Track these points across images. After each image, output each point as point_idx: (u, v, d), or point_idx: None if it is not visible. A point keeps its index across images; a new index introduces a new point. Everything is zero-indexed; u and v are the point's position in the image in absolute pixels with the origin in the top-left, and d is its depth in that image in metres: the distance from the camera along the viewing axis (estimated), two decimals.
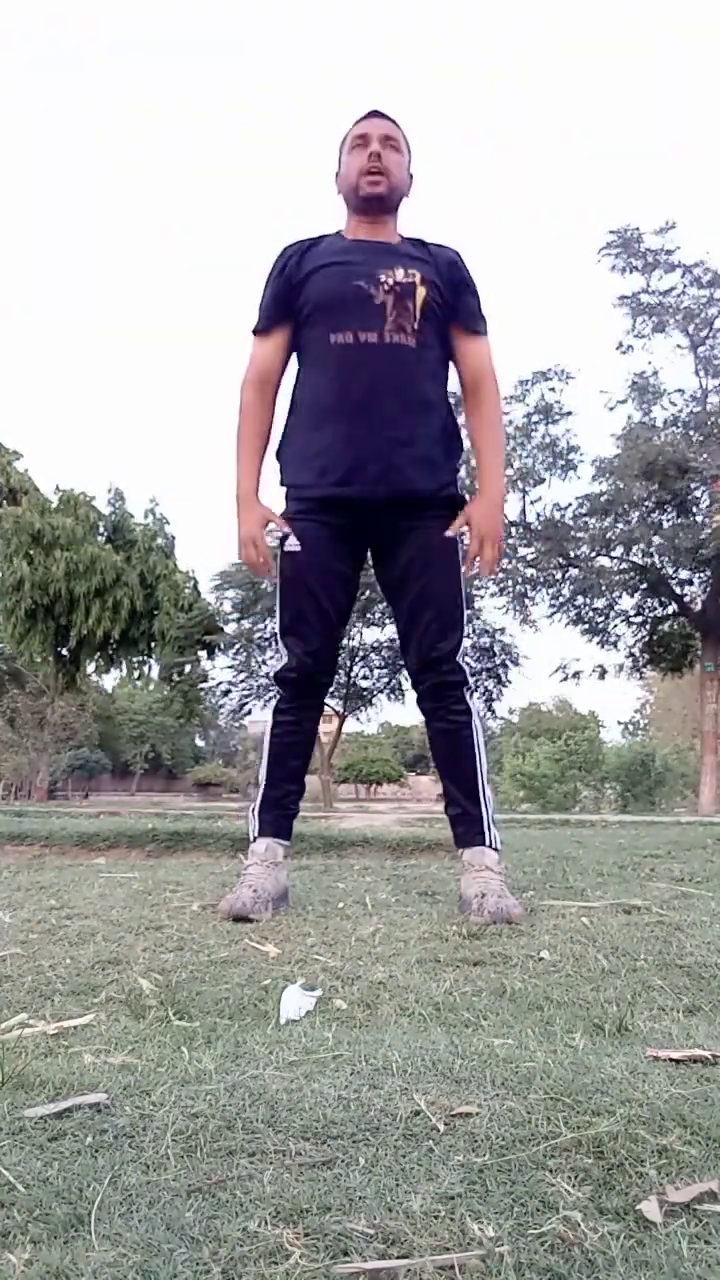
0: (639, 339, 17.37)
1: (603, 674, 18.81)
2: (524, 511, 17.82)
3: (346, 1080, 0.99)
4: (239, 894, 2.07)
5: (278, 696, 2.24)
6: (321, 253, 2.20)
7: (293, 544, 2.19)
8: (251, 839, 2.22)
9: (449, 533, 2.16)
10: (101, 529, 23.82)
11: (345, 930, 1.89)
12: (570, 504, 17.63)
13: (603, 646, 18.46)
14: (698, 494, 16.46)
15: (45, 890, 2.48)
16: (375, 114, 2.23)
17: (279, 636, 2.23)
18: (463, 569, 2.19)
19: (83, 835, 3.99)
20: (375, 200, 2.18)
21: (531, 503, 17.86)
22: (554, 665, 19.34)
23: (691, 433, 16.33)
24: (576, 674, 18.87)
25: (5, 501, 23.27)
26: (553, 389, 17.55)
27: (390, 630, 18.71)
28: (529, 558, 17.73)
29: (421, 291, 2.12)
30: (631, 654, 18.78)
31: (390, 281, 2.11)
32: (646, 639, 18.69)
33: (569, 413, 17.57)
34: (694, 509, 16.73)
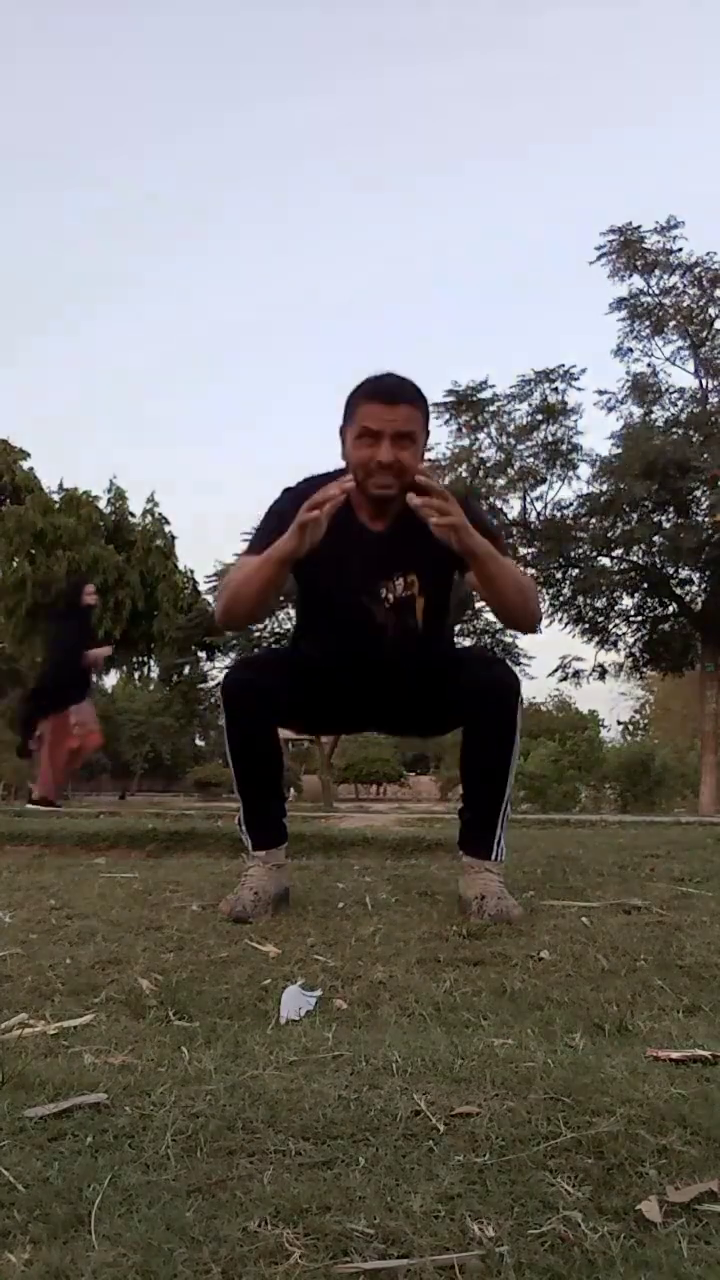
0: (638, 340, 17.37)
1: (603, 674, 18.82)
2: (524, 511, 17.82)
3: (346, 1080, 0.99)
4: (239, 895, 2.06)
5: (224, 716, 2.10)
6: (327, 533, 1.94)
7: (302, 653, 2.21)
8: (249, 850, 2.19)
9: (413, 500, 1.90)
10: (102, 529, 23.82)
11: (345, 930, 1.89)
12: (571, 504, 17.63)
13: (603, 646, 18.46)
14: (698, 494, 16.46)
15: (45, 890, 2.47)
16: (390, 398, 1.97)
17: (249, 654, 2.21)
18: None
19: (83, 835, 3.99)
20: (384, 501, 2.02)
21: (531, 502, 17.86)
22: (554, 665, 19.29)
23: (691, 433, 16.33)
24: (576, 674, 18.87)
25: (9, 500, 23.27)
26: (555, 388, 17.54)
27: None
28: (529, 557, 17.74)
29: (421, 602, 2.07)
30: (631, 654, 18.78)
31: (391, 597, 2.05)
32: (646, 639, 18.69)
33: (573, 411, 17.57)
34: (694, 509, 16.73)
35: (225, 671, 2.17)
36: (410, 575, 2.06)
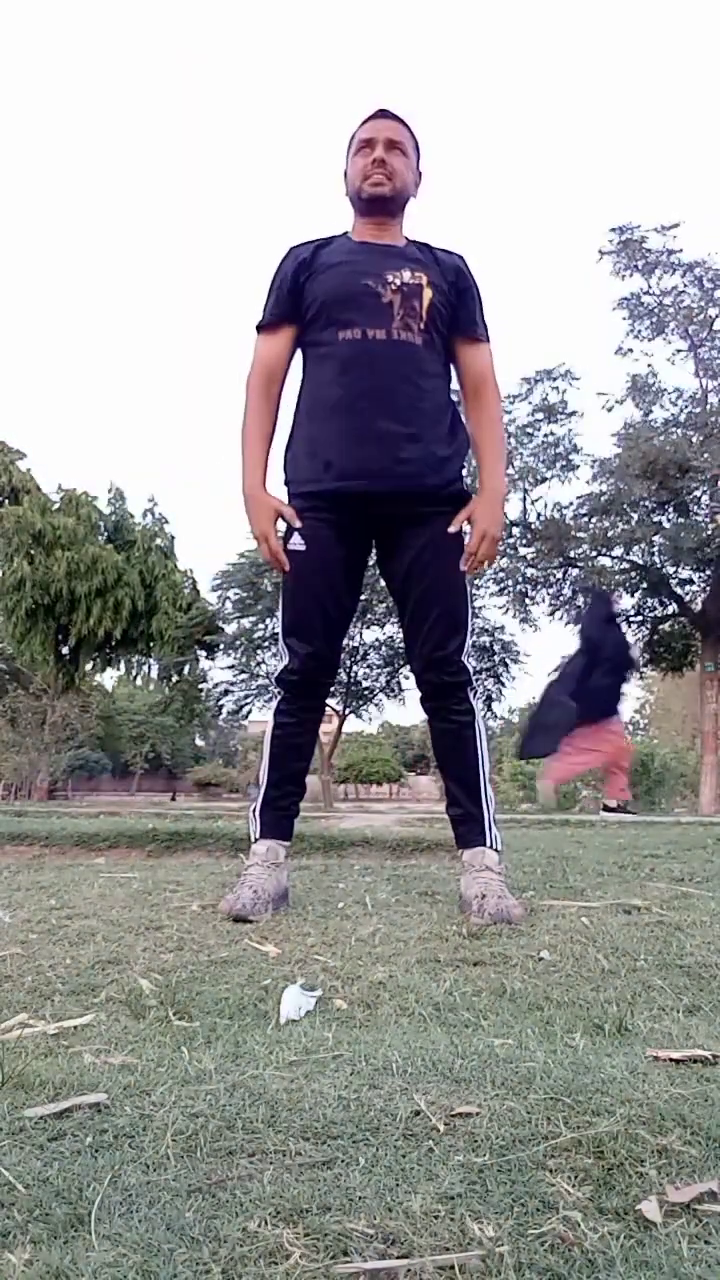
0: (639, 340, 17.37)
1: None
2: (524, 511, 17.82)
3: (346, 1080, 0.99)
4: (239, 894, 2.07)
5: (279, 698, 2.23)
6: (329, 253, 2.20)
7: (297, 543, 2.18)
8: (252, 840, 2.22)
9: (452, 529, 2.15)
10: (102, 529, 23.83)
11: (345, 930, 1.89)
12: (571, 503, 17.63)
13: None
14: (698, 493, 16.46)
15: (45, 890, 2.47)
16: (382, 114, 2.21)
17: (281, 637, 2.23)
18: (463, 565, 2.18)
19: (83, 835, 3.99)
20: (379, 202, 2.18)
21: (532, 502, 17.86)
22: (554, 666, 19.32)
23: (691, 433, 16.33)
24: None
25: (7, 501, 23.28)
26: (556, 388, 17.54)
27: (390, 630, 18.70)
28: (529, 557, 17.74)
29: (428, 293, 2.13)
30: None
31: (397, 282, 2.11)
32: (647, 639, 18.69)
33: (573, 413, 17.57)
34: (694, 509, 16.73)
35: (285, 657, 2.20)
36: (418, 271, 2.15)
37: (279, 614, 2.26)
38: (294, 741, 2.23)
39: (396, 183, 2.17)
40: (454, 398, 2.25)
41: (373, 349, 2.10)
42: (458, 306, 2.19)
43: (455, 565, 2.17)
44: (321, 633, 2.19)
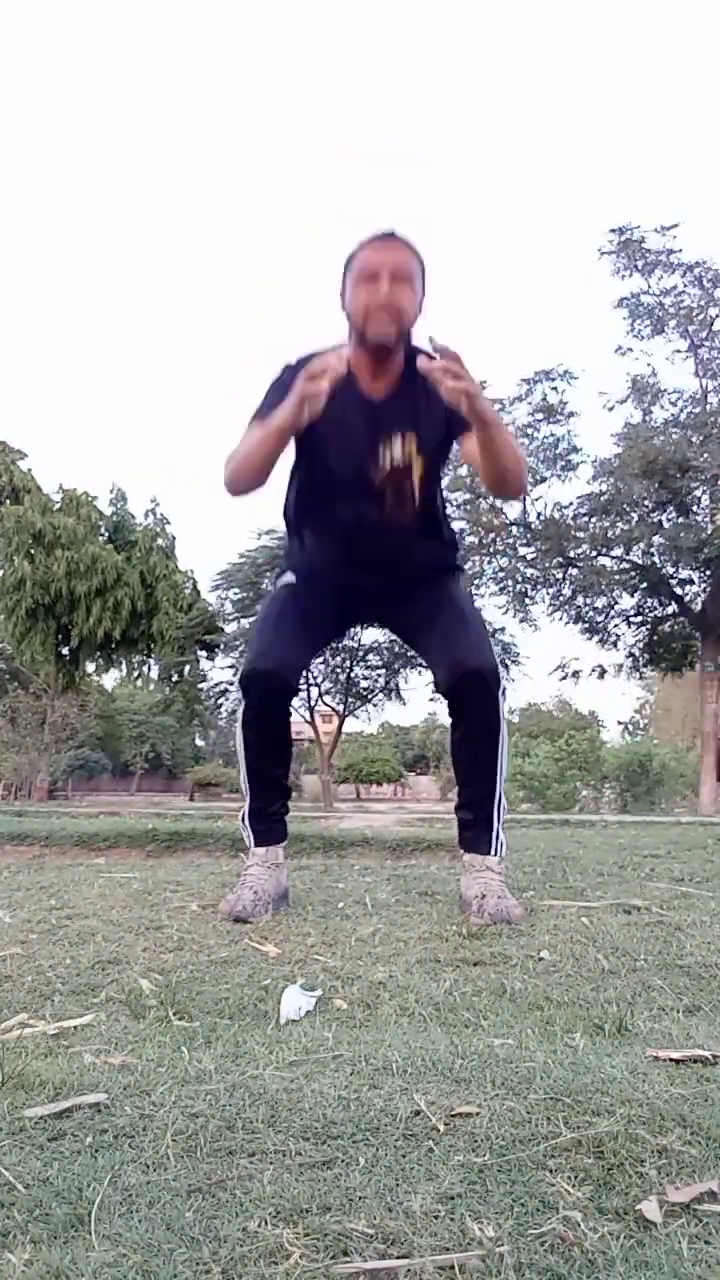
0: (639, 340, 17.37)
1: (602, 674, 18.82)
2: (524, 511, 17.82)
3: (346, 1080, 0.99)
4: (239, 895, 2.06)
5: (243, 706, 2.15)
6: (327, 403, 1.96)
7: (288, 578, 2.24)
8: (249, 846, 2.21)
9: (424, 365, 1.92)
10: (103, 529, 23.85)
11: (345, 930, 1.89)
12: (571, 503, 17.64)
13: (603, 646, 18.47)
14: (698, 493, 16.46)
15: (45, 890, 2.47)
16: (387, 240, 2.03)
17: (255, 636, 2.22)
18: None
19: (83, 835, 3.99)
20: (384, 348, 2.04)
21: (532, 502, 17.87)
22: (554, 665, 19.31)
23: (690, 434, 16.33)
24: (576, 674, 18.87)
25: (8, 500, 23.29)
26: (555, 388, 17.55)
27: (390, 629, 18.66)
28: (529, 557, 17.74)
29: (418, 469, 2.09)
30: (631, 654, 18.78)
31: (388, 465, 2.06)
32: (646, 639, 18.69)
33: (572, 414, 17.58)
34: (694, 508, 16.74)
35: (245, 661, 2.17)
36: (409, 436, 2.08)
37: (257, 618, 2.27)
38: (270, 751, 2.18)
39: (404, 322, 2.02)
40: (443, 499, 2.30)
41: (365, 526, 2.13)
42: (453, 426, 2.09)
43: (470, 605, 2.23)
44: (295, 643, 2.18)
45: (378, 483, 2.07)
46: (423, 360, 1.92)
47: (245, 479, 2.10)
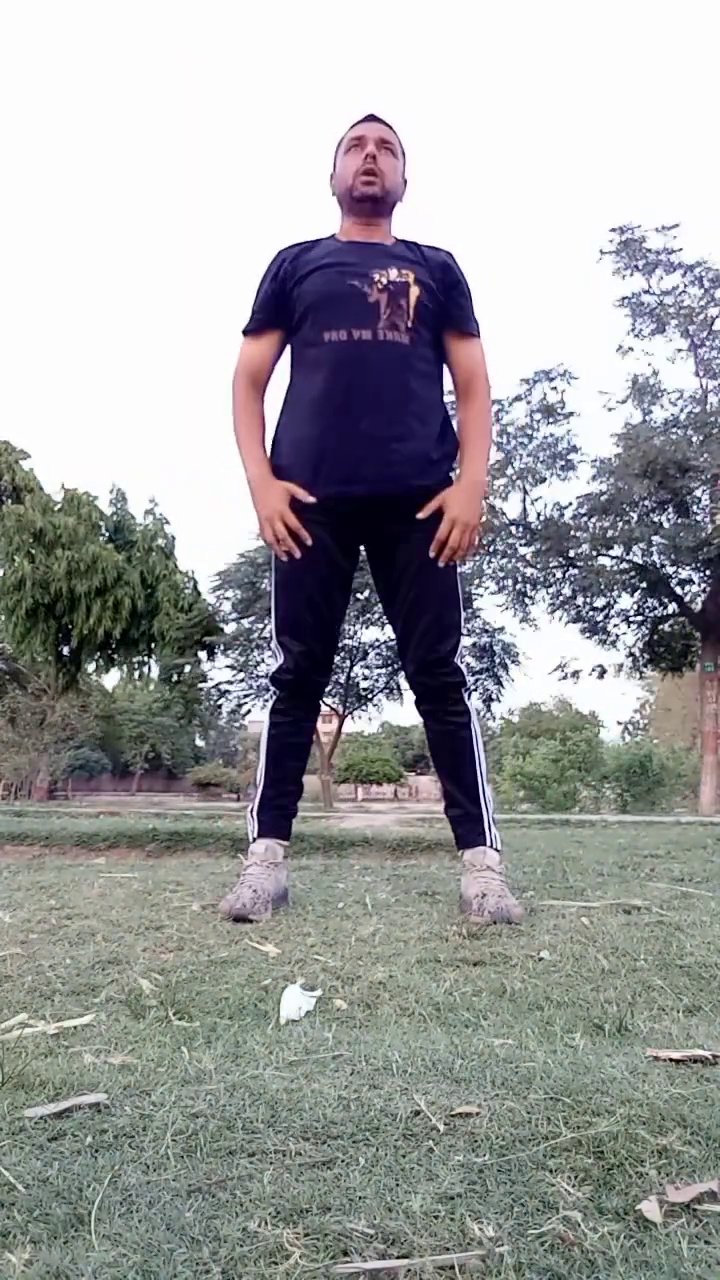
0: (639, 339, 17.37)
1: (602, 674, 18.82)
2: (524, 511, 17.83)
3: (346, 1080, 0.99)
4: (239, 894, 2.07)
5: (274, 698, 2.23)
6: (316, 255, 2.20)
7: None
8: (251, 839, 2.22)
9: (421, 515, 2.10)
10: (103, 529, 23.83)
11: (345, 930, 1.89)
12: (570, 503, 17.63)
13: (602, 646, 18.47)
14: (698, 493, 16.46)
15: (45, 890, 2.47)
16: (372, 118, 2.24)
17: (274, 636, 2.23)
18: (431, 552, 2.12)
19: (83, 835, 4.00)
20: (369, 201, 2.19)
21: (531, 502, 17.87)
22: (554, 665, 19.33)
23: (690, 433, 16.33)
24: (575, 674, 18.88)
25: (9, 500, 23.29)
26: (555, 388, 17.55)
27: (390, 630, 18.68)
28: (529, 557, 17.74)
29: (415, 291, 2.12)
30: (631, 654, 18.78)
31: (384, 280, 2.11)
32: (646, 639, 18.69)
33: (572, 413, 17.57)
34: (694, 508, 16.73)
35: (279, 656, 2.21)
36: (405, 269, 2.15)
37: (270, 614, 2.27)
38: (291, 741, 2.23)
39: (386, 182, 2.19)
40: (446, 398, 2.25)
41: (359, 350, 2.08)
42: (446, 303, 2.19)
43: (447, 570, 2.16)
44: (315, 630, 2.19)
45: (372, 298, 2.10)
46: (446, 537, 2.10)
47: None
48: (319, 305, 2.14)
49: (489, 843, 2.12)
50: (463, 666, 2.19)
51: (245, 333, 2.26)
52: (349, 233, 2.24)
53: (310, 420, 2.14)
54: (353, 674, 20.05)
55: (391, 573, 2.19)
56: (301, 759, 2.27)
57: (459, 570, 2.21)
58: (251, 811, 2.24)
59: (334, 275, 2.14)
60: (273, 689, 2.24)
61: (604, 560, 17.57)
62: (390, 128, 2.24)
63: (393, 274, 2.12)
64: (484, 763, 2.19)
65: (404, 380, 2.10)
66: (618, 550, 17.45)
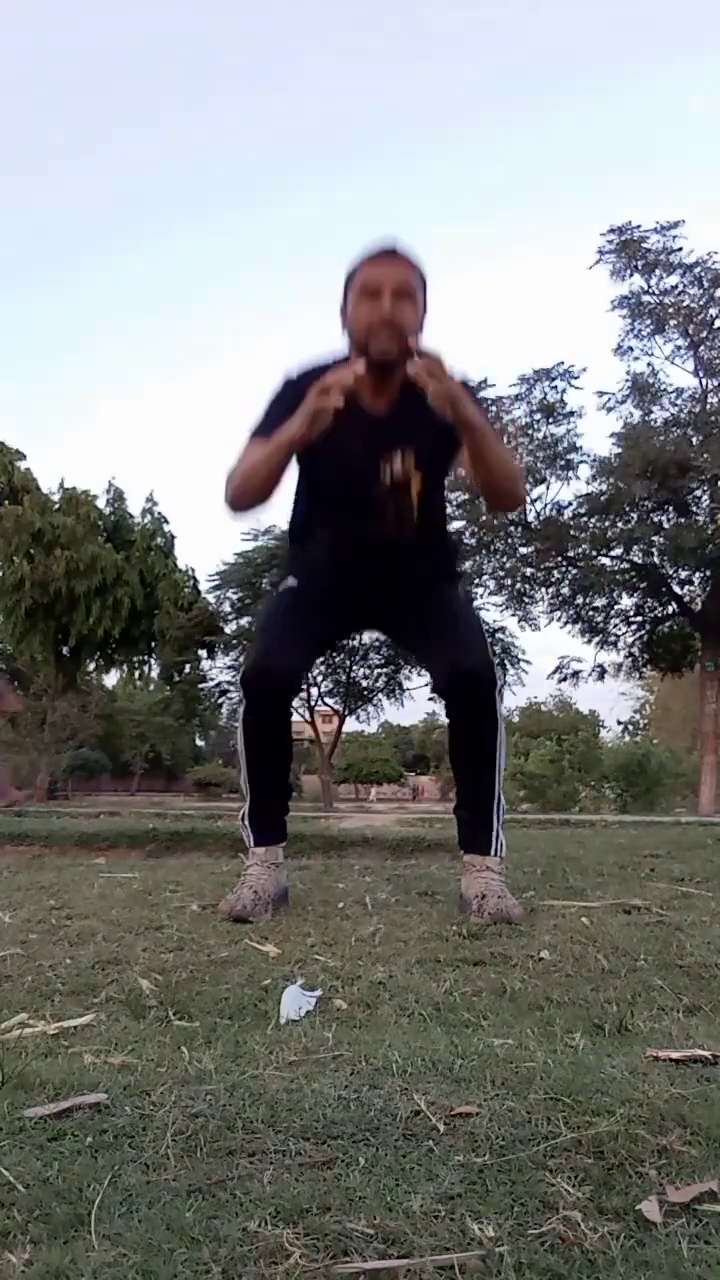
0: (638, 339, 17.37)
1: (602, 674, 18.83)
2: (524, 511, 17.82)
3: (346, 1080, 0.99)
4: (239, 895, 2.06)
5: (243, 706, 2.13)
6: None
7: (291, 581, 2.26)
8: (249, 845, 2.20)
9: (411, 369, 1.92)
10: (101, 528, 23.82)
11: (345, 930, 1.89)
12: (570, 503, 17.63)
13: (602, 646, 18.47)
14: (698, 493, 16.46)
15: (45, 890, 2.47)
16: (390, 254, 2.03)
17: (257, 636, 2.24)
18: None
19: (83, 835, 4.00)
20: (386, 364, 2.00)
21: (531, 502, 17.86)
22: (554, 665, 19.31)
23: (690, 433, 16.33)
24: (575, 674, 18.88)
25: (7, 500, 23.28)
26: (554, 388, 17.54)
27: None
28: (529, 557, 17.74)
29: (416, 483, 2.06)
30: (631, 654, 18.78)
31: (388, 479, 2.04)
32: (646, 639, 18.69)
33: (572, 413, 17.57)
34: (694, 508, 16.73)
35: (244, 659, 2.19)
36: (409, 452, 2.06)
37: (257, 626, 2.28)
38: (270, 750, 2.16)
39: (405, 340, 1.97)
40: (445, 508, 2.30)
41: (363, 543, 2.13)
42: (453, 437, 2.03)
43: (455, 596, 2.21)
44: (299, 645, 2.18)
45: (378, 498, 2.06)
46: (410, 366, 1.91)
47: (250, 495, 2.09)
48: (324, 491, 2.16)
49: (494, 851, 2.10)
50: (497, 670, 2.14)
51: (254, 434, 2.09)
52: (360, 384, 1.97)
53: (322, 555, 2.21)
54: (353, 674, 20.05)
55: (403, 618, 2.24)
56: (284, 763, 2.21)
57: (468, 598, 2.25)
58: (243, 820, 2.20)
59: (341, 465, 2.08)
60: (241, 696, 2.13)
61: (604, 560, 17.58)
62: (411, 263, 2.03)
63: (397, 465, 2.04)
64: (503, 771, 2.15)
65: (410, 557, 2.16)
66: (618, 550, 17.46)
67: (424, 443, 2.06)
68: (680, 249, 16.77)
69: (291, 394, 2.01)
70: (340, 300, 2.09)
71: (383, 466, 2.04)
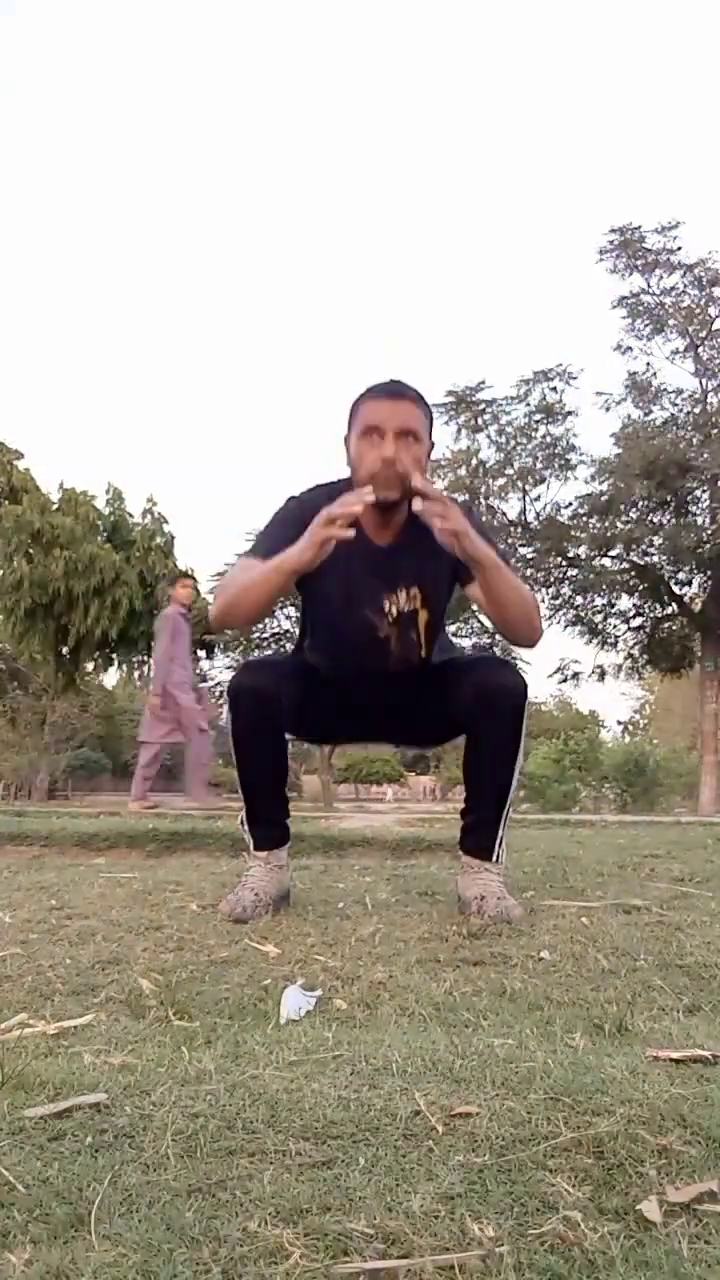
0: (638, 339, 17.38)
1: (601, 675, 18.83)
2: (524, 511, 17.83)
3: (346, 1080, 0.99)
4: (240, 896, 2.06)
5: (231, 719, 2.07)
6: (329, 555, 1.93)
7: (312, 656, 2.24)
8: (250, 849, 2.19)
9: (418, 505, 1.86)
10: (101, 528, 23.81)
11: (345, 930, 1.89)
12: (570, 503, 17.64)
13: (602, 647, 18.47)
14: (698, 493, 16.46)
15: (45, 890, 2.47)
16: (392, 393, 2.00)
17: (251, 659, 2.23)
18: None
19: (83, 835, 3.99)
20: (389, 506, 1.99)
21: (531, 502, 17.87)
22: (554, 665, 19.34)
23: (690, 433, 16.33)
24: (575, 675, 18.88)
25: (6, 500, 23.27)
26: (554, 388, 17.56)
27: None
28: (528, 557, 17.74)
29: (424, 616, 2.06)
30: (630, 654, 18.78)
31: (394, 611, 2.04)
32: (645, 639, 18.69)
33: (570, 413, 17.58)
34: (694, 509, 16.74)
35: (234, 671, 2.17)
36: (414, 589, 2.05)
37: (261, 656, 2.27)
38: (262, 762, 2.13)
39: (408, 482, 1.92)
40: (445, 634, 2.26)
41: (370, 673, 2.12)
42: (458, 571, 2.04)
43: (436, 674, 2.17)
44: (285, 680, 2.11)
45: (383, 633, 2.06)
46: (416, 503, 1.86)
47: (243, 615, 2.07)
48: (327, 631, 2.15)
49: (494, 858, 2.08)
50: (526, 683, 2.09)
51: (251, 551, 2.04)
52: (363, 518, 1.94)
53: (327, 675, 2.19)
54: None
55: (409, 719, 2.23)
56: (280, 771, 2.18)
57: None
58: (242, 823, 2.18)
59: (347, 603, 2.06)
60: (227, 704, 2.10)
61: (603, 561, 17.58)
62: (415, 402, 2.01)
63: (402, 600, 2.04)
64: (516, 784, 2.12)
65: (414, 685, 2.15)
66: (617, 550, 17.46)
67: (429, 578, 2.05)
68: (680, 249, 16.80)
69: (296, 517, 1.97)
70: (345, 430, 2.07)
71: (387, 603, 2.04)
